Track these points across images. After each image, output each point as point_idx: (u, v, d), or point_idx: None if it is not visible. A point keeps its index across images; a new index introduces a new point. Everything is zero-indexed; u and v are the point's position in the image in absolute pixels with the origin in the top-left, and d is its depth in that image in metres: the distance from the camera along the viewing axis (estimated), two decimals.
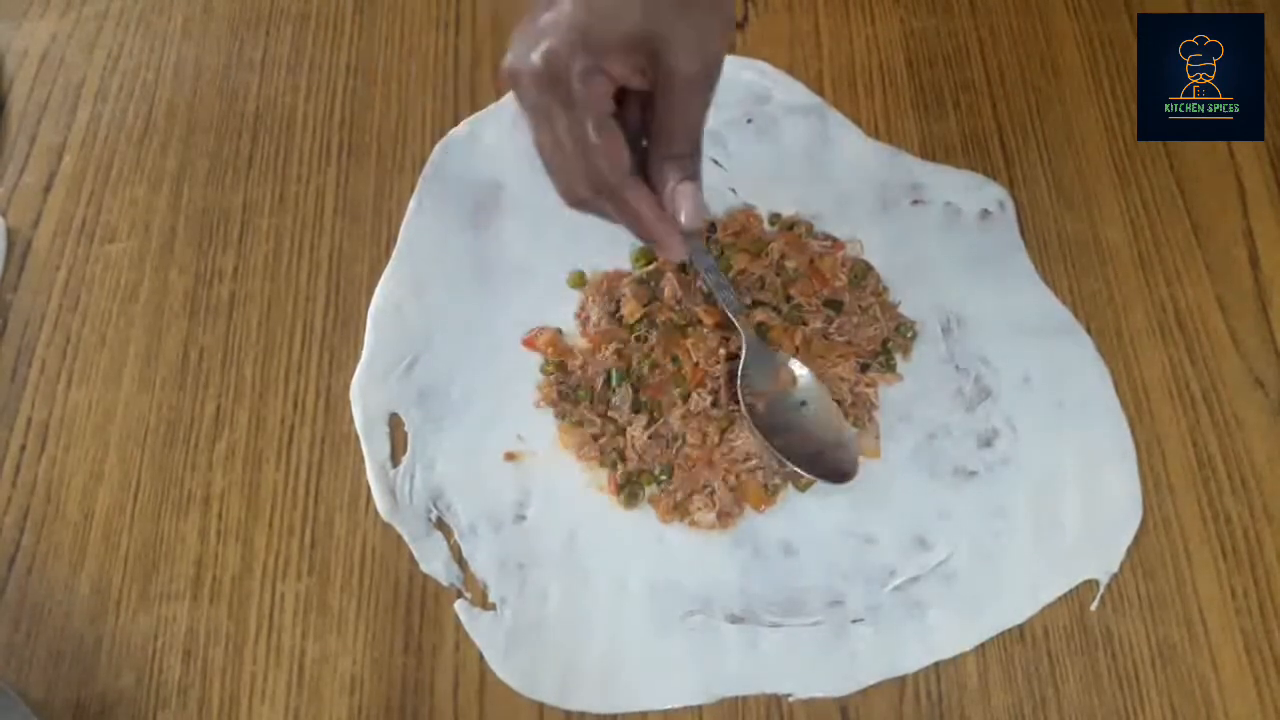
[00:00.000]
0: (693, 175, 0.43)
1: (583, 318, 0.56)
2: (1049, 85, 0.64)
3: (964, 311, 0.56)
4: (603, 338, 0.55)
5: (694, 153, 0.43)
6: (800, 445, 0.52)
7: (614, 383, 0.54)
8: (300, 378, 0.56)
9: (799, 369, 0.53)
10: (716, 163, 0.61)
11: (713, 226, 0.59)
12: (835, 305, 0.56)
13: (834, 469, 0.51)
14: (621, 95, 0.42)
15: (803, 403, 0.53)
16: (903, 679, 0.49)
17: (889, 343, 0.55)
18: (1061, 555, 0.51)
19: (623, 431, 0.53)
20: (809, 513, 0.52)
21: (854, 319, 0.56)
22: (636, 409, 0.53)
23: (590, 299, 0.56)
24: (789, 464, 0.51)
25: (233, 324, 0.57)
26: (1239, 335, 0.56)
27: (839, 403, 0.54)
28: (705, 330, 0.55)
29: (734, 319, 0.53)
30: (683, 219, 0.43)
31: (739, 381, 0.52)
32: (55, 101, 0.64)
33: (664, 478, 0.52)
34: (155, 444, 0.54)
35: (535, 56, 0.39)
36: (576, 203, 0.44)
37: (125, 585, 0.51)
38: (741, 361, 0.53)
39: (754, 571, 0.51)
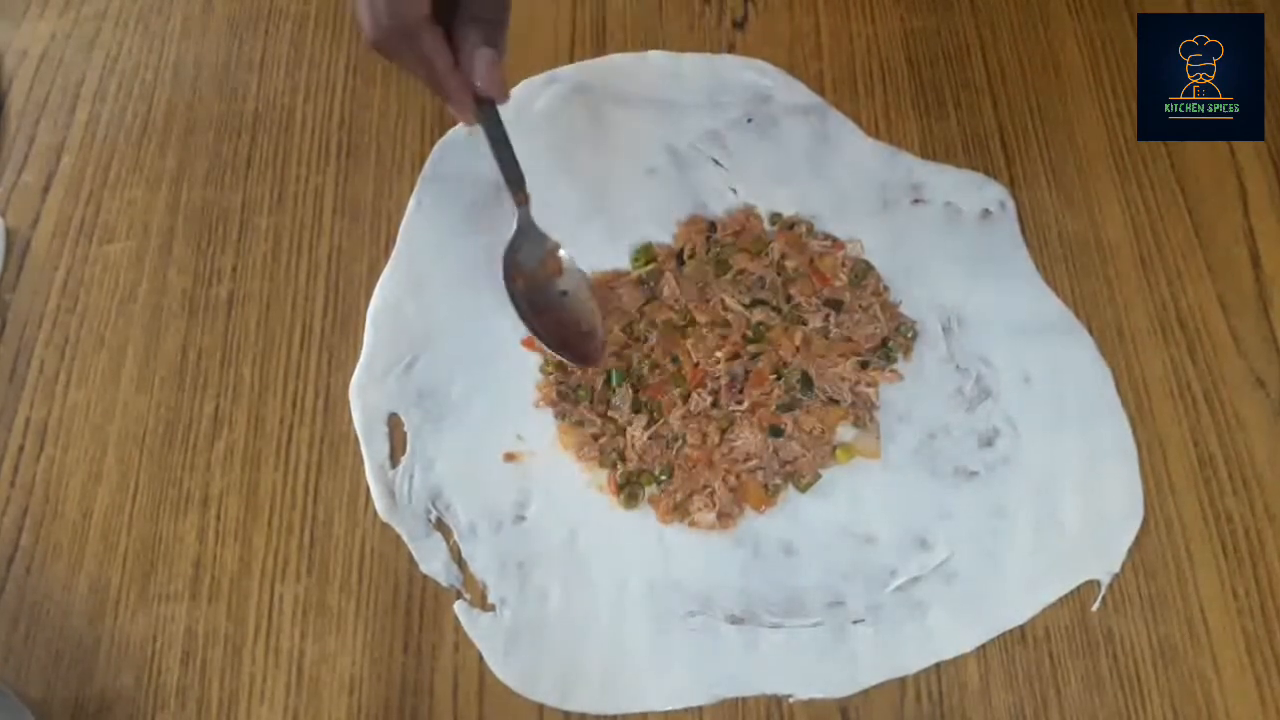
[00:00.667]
0: (495, 43, 0.44)
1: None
2: (1049, 85, 0.63)
3: (964, 311, 0.56)
4: None
5: (500, 22, 0.44)
6: (554, 328, 0.53)
7: (614, 383, 0.54)
8: (299, 378, 0.56)
9: (567, 259, 0.54)
10: (717, 163, 0.61)
11: (713, 226, 0.59)
12: (835, 304, 0.56)
13: (580, 353, 0.53)
14: None
15: (563, 292, 0.54)
16: (903, 679, 0.48)
17: (889, 340, 0.55)
18: (1062, 555, 0.51)
19: (623, 431, 0.53)
20: (809, 513, 0.52)
21: (854, 317, 0.56)
22: (636, 409, 0.53)
23: None
24: (539, 342, 0.53)
25: (231, 324, 0.57)
26: (1240, 335, 0.56)
27: (837, 402, 0.53)
28: (705, 330, 0.55)
29: (511, 193, 0.53)
30: (478, 81, 0.44)
31: (504, 257, 0.53)
32: (54, 101, 0.64)
33: (664, 478, 0.52)
34: (154, 444, 0.54)
35: None
36: (376, 42, 0.44)
37: (124, 585, 0.51)
38: (511, 240, 0.53)
39: (754, 572, 0.50)
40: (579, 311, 0.54)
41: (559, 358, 0.53)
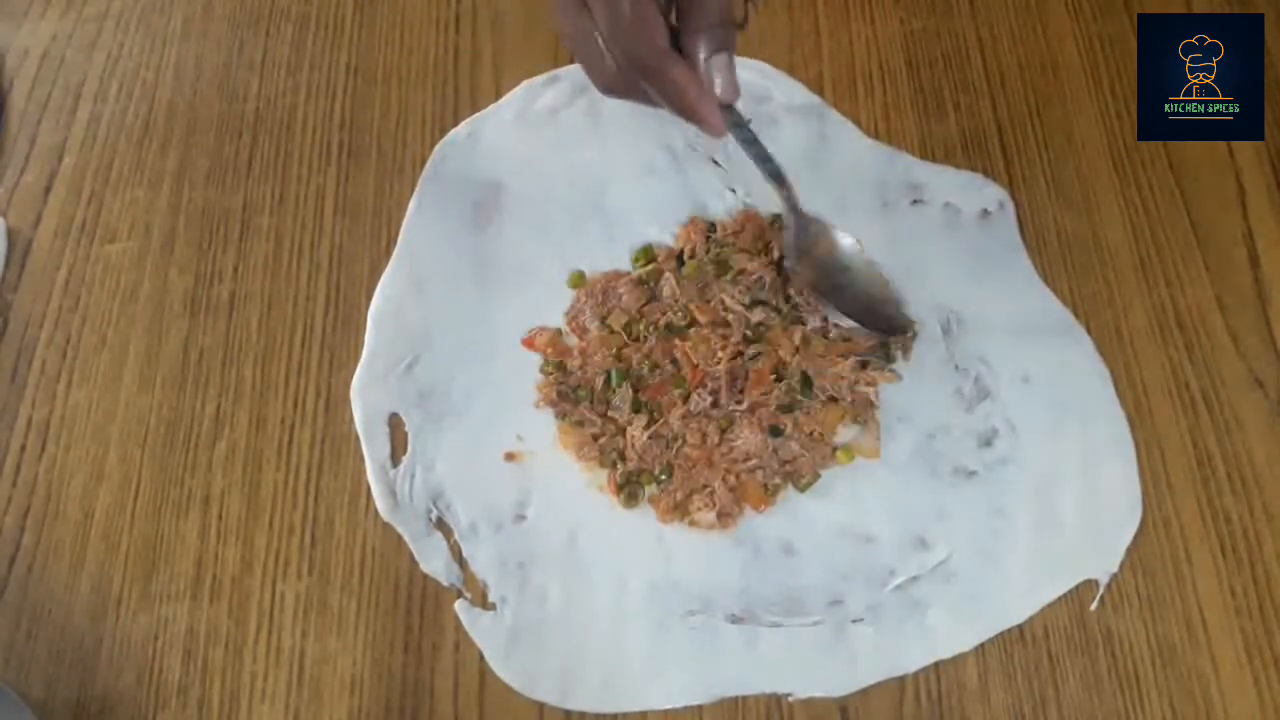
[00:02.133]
0: (725, 46, 0.43)
1: (573, 321, 0.56)
2: (1049, 85, 0.63)
3: (964, 311, 0.56)
4: (592, 345, 0.55)
5: (724, 23, 0.43)
6: (851, 305, 0.54)
7: (614, 383, 0.54)
8: (300, 378, 0.56)
9: (841, 237, 0.55)
10: (716, 163, 0.61)
11: (712, 226, 0.59)
12: None
13: (888, 323, 0.55)
14: None
15: (846, 267, 0.55)
16: (903, 679, 0.49)
17: (888, 340, 0.55)
18: (1061, 555, 0.51)
19: (622, 431, 0.53)
20: (809, 513, 0.52)
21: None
22: (636, 409, 0.53)
23: (583, 301, 0.56)
24: (846, 320, 0.54)
25: (233, 324, 0.57)
26: (1239, 335, 0.56)
27: (836, 400, 0.54)
28: (705, 331, 0.55)
29: (775, 186, 0.53)
30: (719, 91, 0.43)
31: (785, 250, 0.54)
32: (55, 102, 0.64)
33: (664, 477, 0.52)
34: (155, 444, 0.54)
35: None
36: (613, 89, 0.43)
37: (125, 585, 0.51)
38: (787, 231, 0.54)
39: (754, 571, 0.51)
40: (869, 280, 0.55)
41: (869, 331, 0.54)
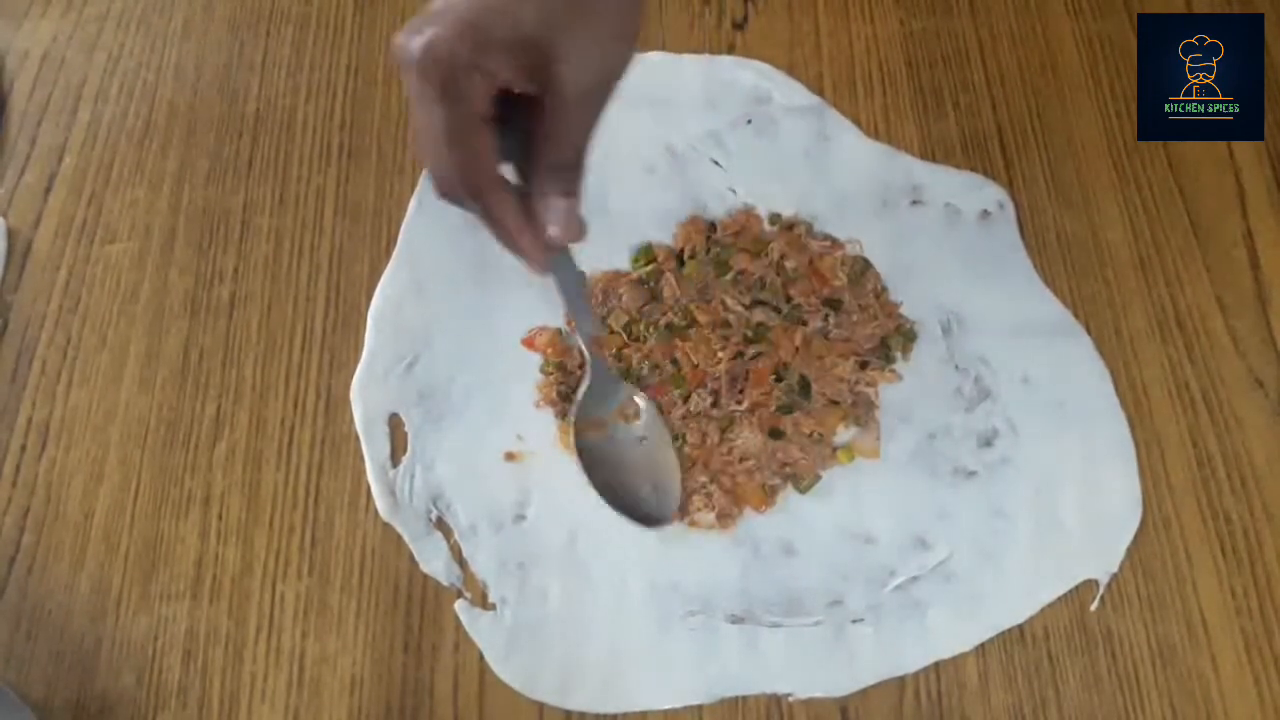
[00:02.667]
0: (570, 190, 0.42)
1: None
2: (1049, 85, 0.64)
3: (964, 311, 0.56)
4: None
5: (576, 165, 0.42)
6: (627, 481, 0.51)
7: None
8: (300, 378, 0.56)
9: (643, 403, 0.52)
10: (716, 163, 0.61)
11: (712, 226, 0.59)
12: (834, 304, 0.56)
13: (651, 512, 0.51)
14: (511, 96, 0.40)
15: (642, 438, 0.52)
16: (903, 679, 0.49)
17: (889, 339, 0.55)
18: (1061, 555, 0.51)
19: None
20: (809, 513, 0.52)
21: (853, 317, 0.56)
22: None
23: None
24: (604, 500, 0.50)
25: (233, 324, 0.57)
26: (1239, 335, 0.56)
27: (837, 403, 0.54)
28: (705, 331, 0.55)
29: (584, 346, 0.50)
30: (550, 232, 0.42)
31: (577, 406, 0.51)
32: (56, 102, 0.64)
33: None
34: (155, 444, 0.54)
35: (418, 42, 0.37)
36: (444, 195, 0.42)
37: (125, 585, 0.51)
38: (585, 389, 0.51)
39: (754, 571, 0.51)
40: (656, 462, 0.52)
41: (617, 512, 0.50)
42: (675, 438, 0.53)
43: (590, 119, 0.41)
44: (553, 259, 0.44)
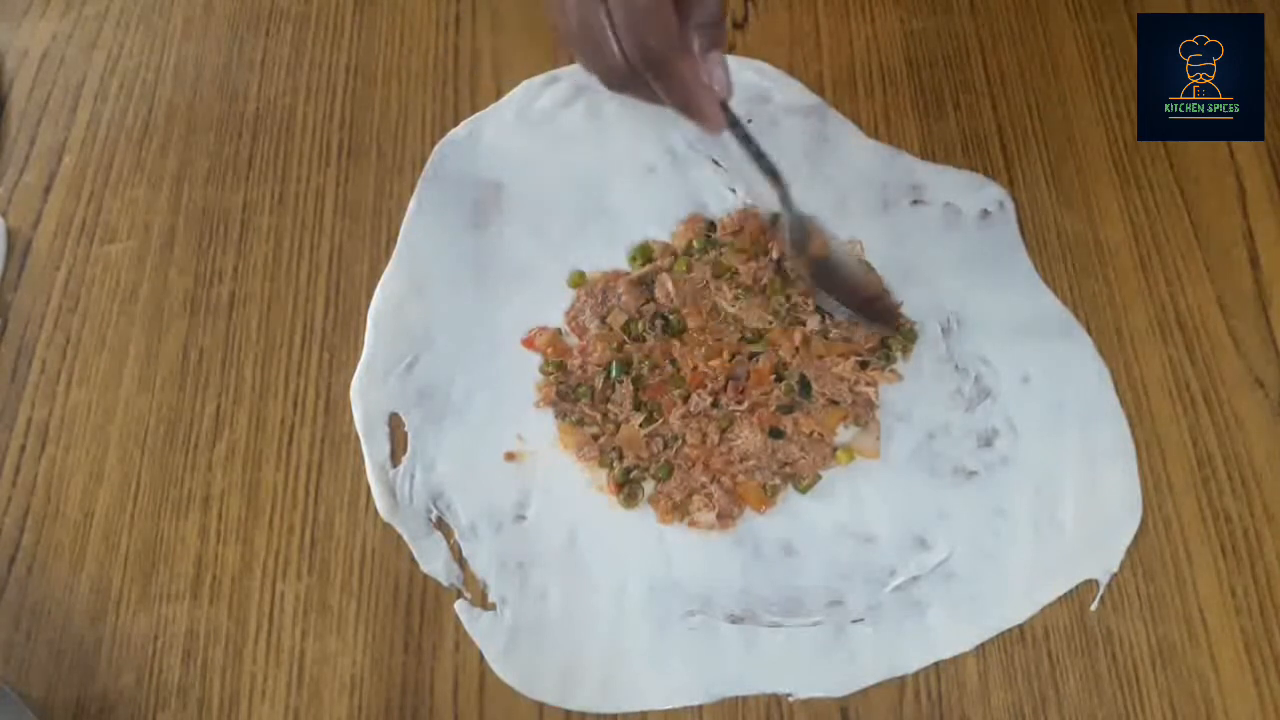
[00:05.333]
0: (720, 43, 0.44)
1: (573, 320, 0.56)
2: (1049, 85, 0.64)
3: (964, 311, 0.56)
4: (592, 344, 0.55)
5: (721, 21, 0.44)
6: (848, 299, 0.54)
7: (614, 375, 0.54)
8: (300, 378, 0.56)
9: (834, 235, 0.56)
10: (716, 163, 0.61)
11: (712, 226, 0.59)
12: None
13: (884, 316, 0.55)
14: None
15: (841, 264, 0.56)
16: (903, 679, 0.49)
17: (889, 339, 0.55)
18: (1061, 555, 0.51)
19: (621, 430, 0.53)
20: (809, 513, 0.52)
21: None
22: (636, 407, 0.53)
23: (583, 301, 0.56)
24: (848, 313, 0.54)
25: (233, 324, 0.57)
26: (1239, 335, 0.56)
27: (837, 404, 0.54)
28: (703, 331, 0.55)
29: (772, 184, 0.53)
30: (718, 88, 0.44)
31: (785, 249, 0.55)
32: (55, 102, 0.64)
33: (662, 476, 0.52)
34: (155, 444, 0.54)
35: None
36: (617, 82, 0.44)
37: (125, 585, 0.51)
38: (784, 229, 0.55)
39: (754, 571, 0.51)
40: (864, 279, 0.55)
41: (869, 325, 0.54)
42: (676, 438, 0.53)
43: None
44: (727, 116, 0.47)
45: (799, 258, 0.55)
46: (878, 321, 0.55)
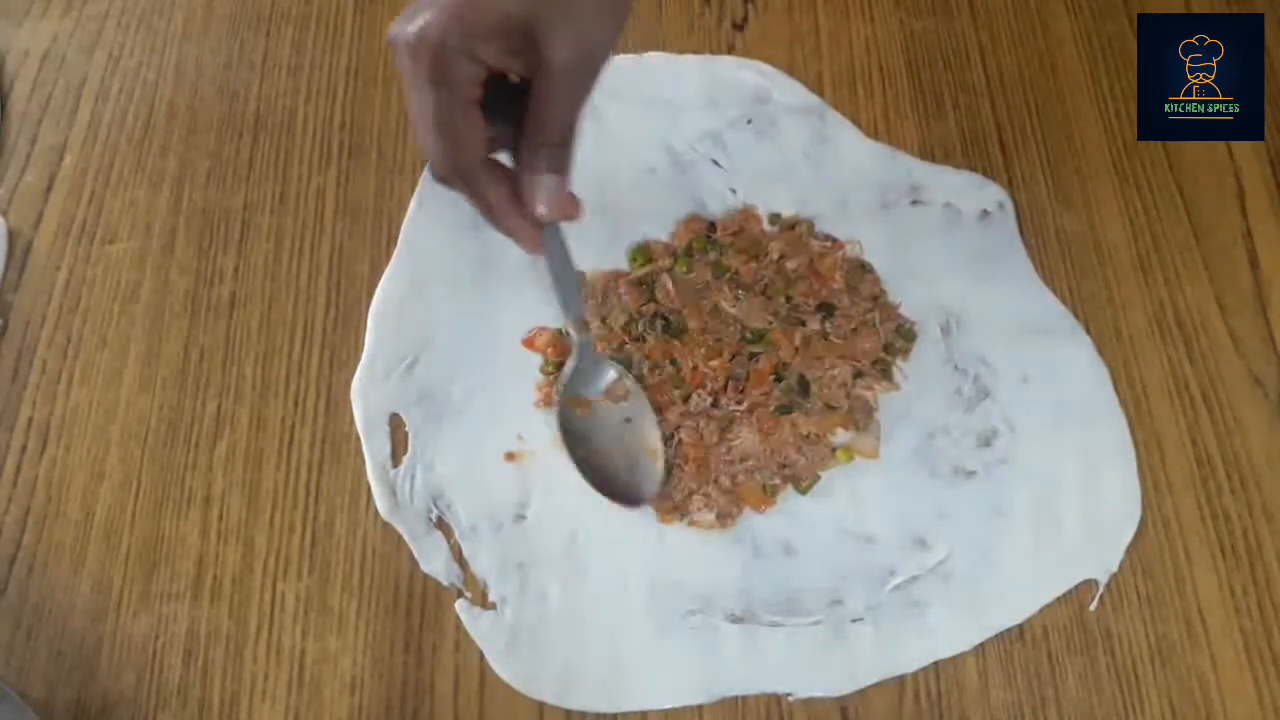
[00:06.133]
0: (558, 168, 0.43)
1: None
2: (1048, 86, 0.64)
3: (963, 311, 0.56)
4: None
5: (564, 144, 0.42)
6: (608, 461, 0.52)
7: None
8: (301, 378, 0.56)
9: (631, 385, 0.53)
10: (716, 163, 0.61)
11: (712, 226, 0.59)
12: (828, 309, 0.56)
13: (631, 491, 0.51)
14: (505, 83, 0.42)
15: (627, 419, 0.53)
16: (902, 678, 0.49)
17: (889, 347, 0.55)
18: (1061, 555, 0.51)
19: None
20: (809, 513, 0.52)
21: (850, 326, 0.55)
22: None
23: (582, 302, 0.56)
24: (584, 476, 0.51)
25: (233, 324, 0.57)
26: (1238, 335, 0.56)
27: (834, 407, 0.54)
28: (702, 333, 0.55)
29: (572, 325, 0.51)
30: (539, 210, 0.43)
31: (563, 388, 0.52)
32: (56, 102, 0.64)
33: (663, 477, 0.52)
34: (156, 444, 0.54)
35: (411, 29, 0.39)
36: (439, 179, 0.43)
37: (126, 585, 0.51)
38: (573, 370, 0.52)
39: (754, 571, 0.51)
40: (640, 443, 0.52)
41: (595, 490, 0.51)
42: (669, 436, 0.53)
43: (577, 97, 0.42)
44: (545, 241, 0.45)
45: (577, 402, 0.52)
46: (611, 494, 0.51)
